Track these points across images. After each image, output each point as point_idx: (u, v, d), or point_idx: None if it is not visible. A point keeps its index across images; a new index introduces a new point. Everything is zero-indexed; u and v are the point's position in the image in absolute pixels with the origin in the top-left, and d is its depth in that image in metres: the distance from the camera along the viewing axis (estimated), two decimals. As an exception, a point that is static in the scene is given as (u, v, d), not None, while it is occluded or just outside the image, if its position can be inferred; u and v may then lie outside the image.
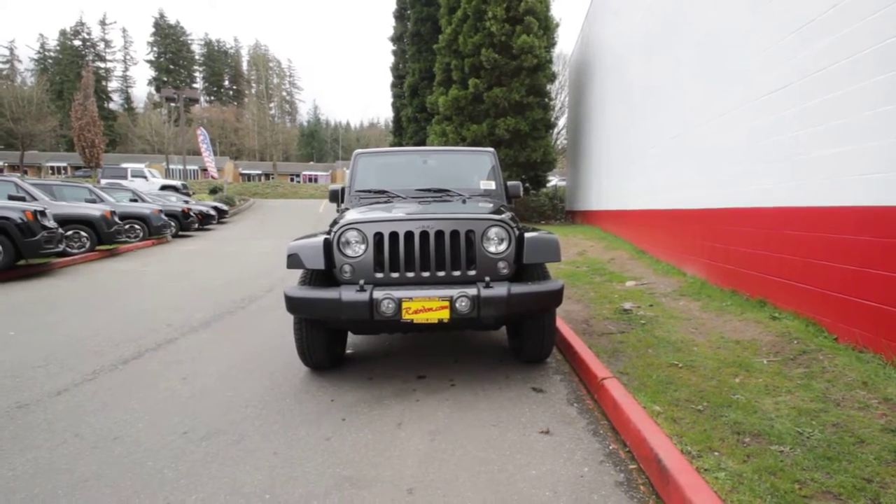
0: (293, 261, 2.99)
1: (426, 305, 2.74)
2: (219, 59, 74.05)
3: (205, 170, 44.48)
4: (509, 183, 4.38)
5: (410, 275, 2.96)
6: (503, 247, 3.01)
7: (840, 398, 2.55)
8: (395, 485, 1.96)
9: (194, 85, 67.45)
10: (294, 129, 69.39)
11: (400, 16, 21.16)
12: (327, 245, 2.98)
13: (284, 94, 76.12)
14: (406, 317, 2.74)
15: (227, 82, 75.77)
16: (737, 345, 3.49)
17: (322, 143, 75.04)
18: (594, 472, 2.05)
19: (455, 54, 14.35)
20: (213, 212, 16.70)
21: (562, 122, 22.34)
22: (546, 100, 14.40)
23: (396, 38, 21.59)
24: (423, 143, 17.89)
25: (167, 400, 2.89)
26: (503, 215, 3.17)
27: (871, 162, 3.00)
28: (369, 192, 4.23)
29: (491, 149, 4.56)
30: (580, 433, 2.40)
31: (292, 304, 2.86)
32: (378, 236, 2.97)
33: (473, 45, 13.45)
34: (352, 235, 2.99)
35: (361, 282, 2.81)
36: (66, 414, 2.68)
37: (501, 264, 2.99)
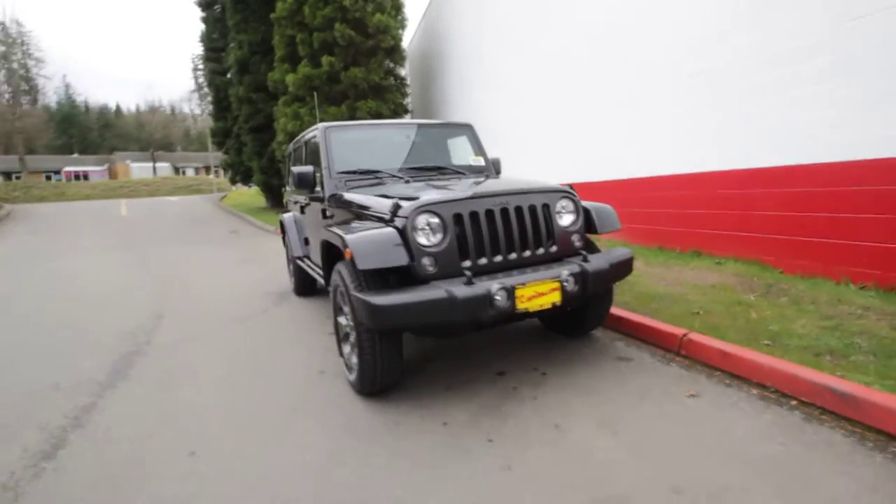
0: (364, 256, 2.28)
1: (538, 290, 2.43)
2: None
3: None
4: (492, 158, 4.20)
5: (498, 259, 2.58)
6: (572, 218, 2.87)
7: (836, 314, 3.22)
8: (655, 486, 1.71)
9: None
10: (41, 114, 52.97)
11: (209, -23, 17.87)
12: (402, 235, 2.37)
13: (17, 66, 57.30)
14: (521, 306, 2.38)
15: None
16: (713, 288, 4.08)
17: (86, 131, 59.40)
18: (775, 417, 2.15)
19: (300, 27, 12.95)
20: (-47, 226, 11.71)
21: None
22: (403, 83, 14.21)
23: (207, 4, 18.21)
24: (263, 127, 15.69)
25: (210, 494, 1.91)
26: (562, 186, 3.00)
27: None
28: (354, 172, 3.53)
29: (469, 123, 4.27)
30: (717, 387, 2.49)
31: (385, 313, 2.18)
32: (457, 218, 2.50)
33: (324, 19, 12.33)
34: (427, 220, 2.44)
35: (469, 274, 2.32)
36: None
37: (575, 237, 2.85)
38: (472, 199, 2.55)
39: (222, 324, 4.42)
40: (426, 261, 2.41)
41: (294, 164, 4.83)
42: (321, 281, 3.74)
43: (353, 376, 2.64)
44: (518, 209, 2.65)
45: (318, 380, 2.98)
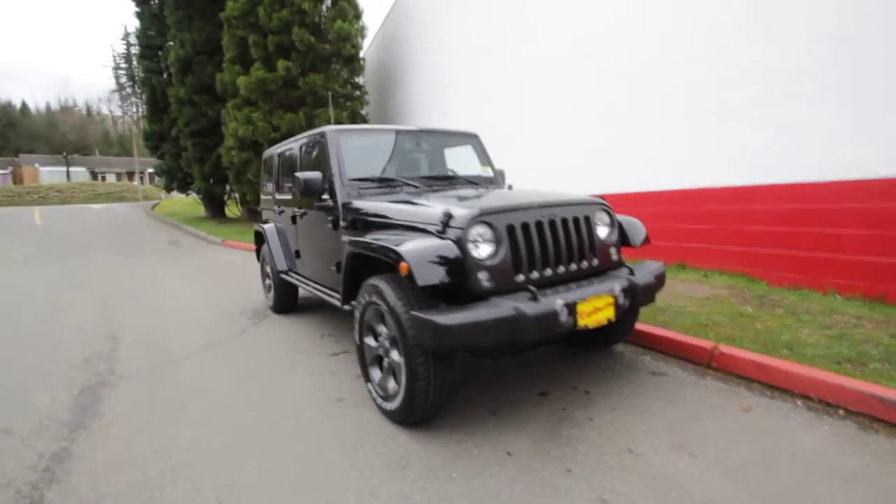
0: (425, 270, 2.07)
1: (596, 305, 2.33)
2: None
3: None
4: (497, 168, 4.11)
5: (549, 273, 2.46)
6: (608, 231, 2.83)
7: (834, 323, 3.41)
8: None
9: None
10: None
11: (144, -30, 16.50)
12: (460, 247, 2.18)
13: None
14: (581, 322, 2.27)
15: None
16: (709, 300, 4.22)
17: (-16, 130, 52.58)
18: (833, 428, 2.18)
19: (253, 28, 12.32)
20: None
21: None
22: (361, 92, 13.90)
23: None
24: (207, 131, 14.61)
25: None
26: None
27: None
28: (367, 180, 3.28)
29: (475, 132, 4.15)
30: (761, 399, 2.50)
31: (452, 334, 1.97)
32: (510, 229, 2.35)
33: (280, 21, 11.80)
34: (481, 232, 2.28)
35: (533, 289, 2.17)
36: None
37: (613, 250, 2.81)
38: (524, 210, 2.42)
39: (197, 347, 3.92)
40: (482, 275, 2.24)
41: (279, 172, 4.46)
42: (327, 298, 3.41)
43: (392, 404, 2.38)
44: (564, 221, 2.56)
45: (338, 409, 2.67)
